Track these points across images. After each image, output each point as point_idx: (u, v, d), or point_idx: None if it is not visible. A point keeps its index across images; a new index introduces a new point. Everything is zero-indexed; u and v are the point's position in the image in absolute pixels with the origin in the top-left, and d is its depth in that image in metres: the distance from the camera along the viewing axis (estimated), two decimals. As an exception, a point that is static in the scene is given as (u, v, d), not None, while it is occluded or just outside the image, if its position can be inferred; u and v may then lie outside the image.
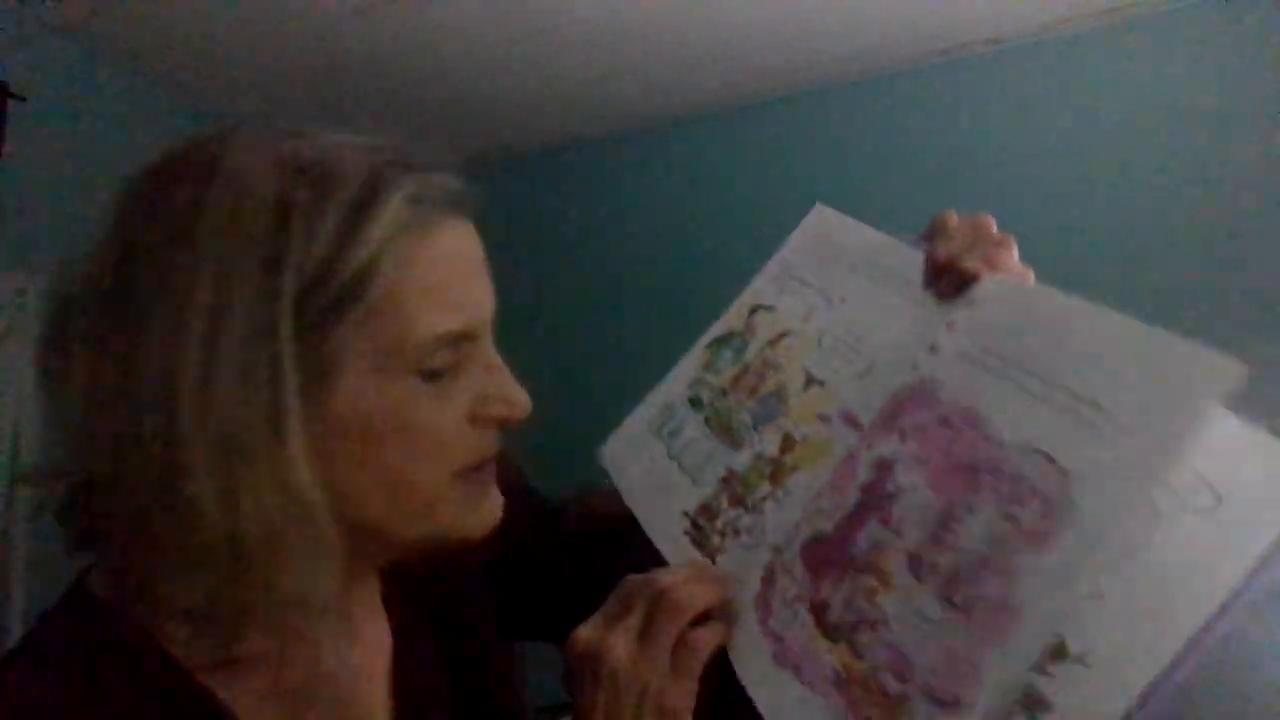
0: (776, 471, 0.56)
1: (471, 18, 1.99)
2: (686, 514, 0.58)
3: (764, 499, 0.55)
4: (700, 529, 0.56)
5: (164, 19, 1.98)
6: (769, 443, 0.58)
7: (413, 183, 0.46)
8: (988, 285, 0.50)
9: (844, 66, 2.24)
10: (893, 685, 0.41)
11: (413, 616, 0.58)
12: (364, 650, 0.55)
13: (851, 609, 0.45)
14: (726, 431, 0.60)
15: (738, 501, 0.56)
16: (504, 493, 0.54)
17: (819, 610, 0.46)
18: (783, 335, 0.63)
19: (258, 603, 0.43)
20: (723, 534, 0.55)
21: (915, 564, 0.43)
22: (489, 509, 0.51)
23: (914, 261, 0.56)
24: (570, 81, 2.32)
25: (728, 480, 0.58)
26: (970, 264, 0.52)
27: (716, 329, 0.68)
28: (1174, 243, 1.86)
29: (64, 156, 1.95)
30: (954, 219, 0.55)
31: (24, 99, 1.87)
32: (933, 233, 0.55)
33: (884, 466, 0.48)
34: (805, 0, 1.95)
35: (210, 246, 0.41)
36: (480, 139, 2.71)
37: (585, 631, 0.50)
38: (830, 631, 0.45)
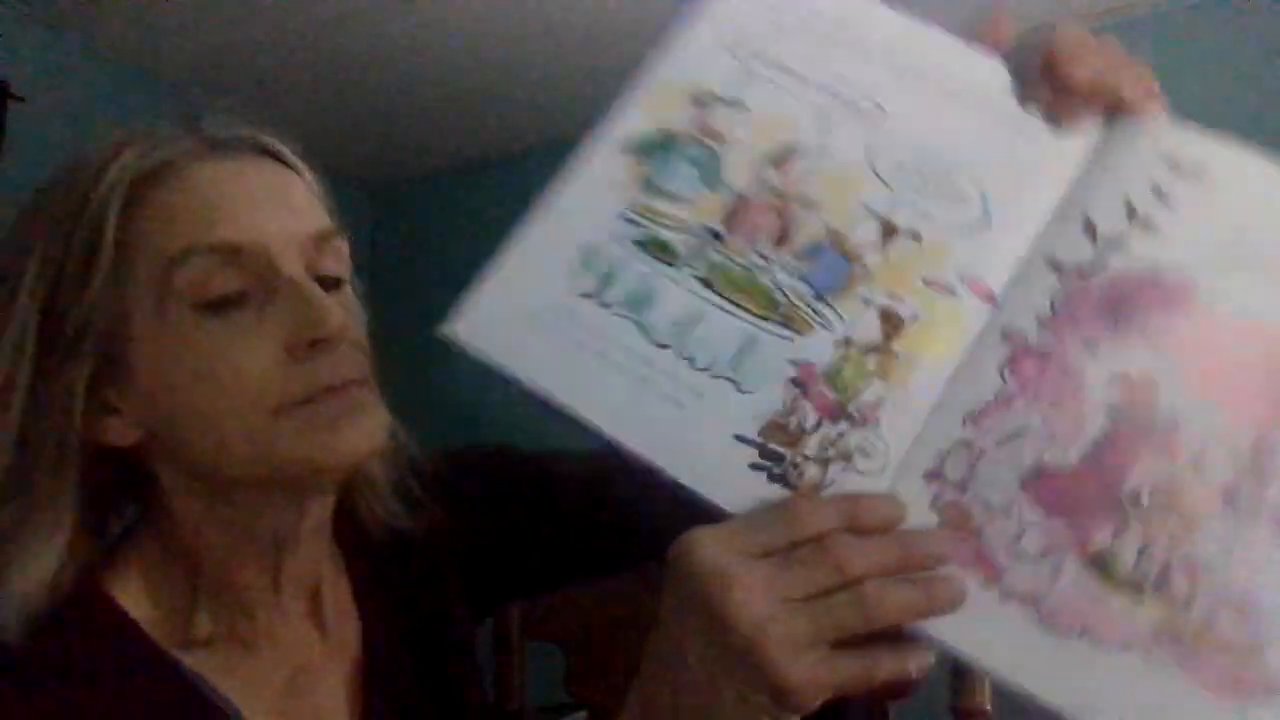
0: (885, 364, 0.41)
1: (472, 17, 2.04)
2: (743, 439, 0.40)
3: (876, 405, 0.40)
4: (777, 458, 0.40)
5: (164, 19, 2.01)
6: (857, 322, 0.41)
7: (148, 139, 0.48)
8: (1186, 138, 0.42)
9: None
10: (1239, 635, 0.37)
11: (383, 603, 0.59)
12: (334, 638, 0.55)
13: (1154, 557, 0.38)
14: (763, 301, 0.42)
15: (835, 412, 0.40)
16: (478, 464, 0.61)
17: (1100, 561, 0.39)
18: (789, 151, 0.44)
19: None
20: (823, 461, 0.39)
21: (1231, 500, 0.38)
22: (345, 440, 0.47)
23: (974, 65, 0.43)
24: (570, 81, 2.32)
25: (803, 381, 0.41)
26: (1130, 93, 0.42)
27: (626, 125, 0.46)
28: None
29: (64, 156, 1.88)
30: (1073, 31, 0.42)
31: (24, 99, 1.89)
32: (1033, 44, 0.43)
33: (1138, 386, 0.40)
34: None
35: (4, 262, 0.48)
36: (480, 139, 2.74)
37: (709, 543, 0.37)
38: (1127, 586, 0.39)
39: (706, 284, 0.43)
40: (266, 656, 0.52)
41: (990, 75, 0.45)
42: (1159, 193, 0.41)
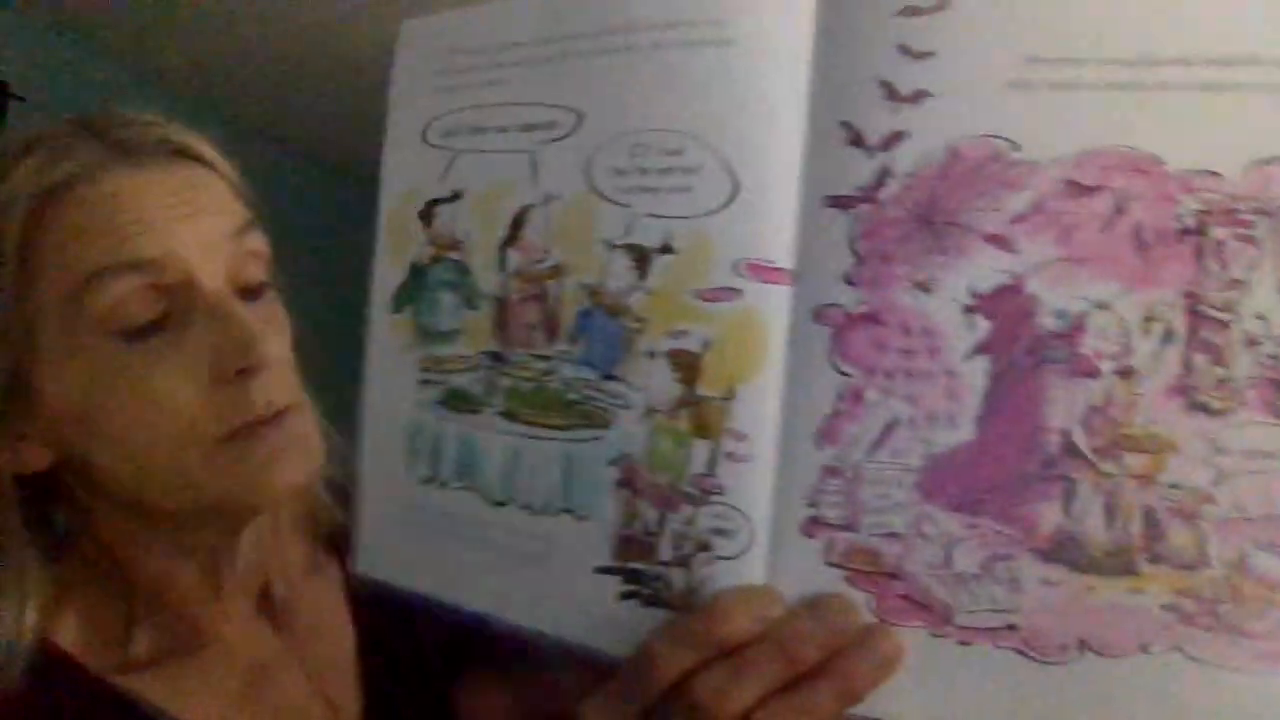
0: (701, 416, 0.32)
1: None
2: (605, 569, 0.34)
3: (707, 470, 0.32)
4: (640, 578, 0.33)
5: (165, 19, 1.97)
6: (649, 383, 0.33)
7: (50, 148, 0.43)
8: None
9: None
10: (1278, 569, 0.26)
11: (379, 610, 0.54)
12: (295, 630, 0.53)
13: (1129, 514, 0.28)
14: (562, 410, 0.35)
15: (669, 500, 0.32)
16: None
17: (1062, 546, 0.28)
18: (519, 220, 0.37)
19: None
20: (681, 562, 0.32)
21: (1193, 399, 0.27)
22: (279, 476, 0.44)
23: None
24: None
25: (629, 481, 0.33)
26: None
27: (383, 284, 0.41)
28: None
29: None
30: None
31: (24, 99, 1.86)
32: None
33: (1003, 299, 0.29)
34: None
35: None
36: None
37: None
38: (1113, 565, 0.28)
39: (509, 416, 0.37)
40: (215, 664, 0.49)
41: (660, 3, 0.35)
42: (910, 52, 0.30)
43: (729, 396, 0.32)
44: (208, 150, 0.48)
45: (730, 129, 0.32)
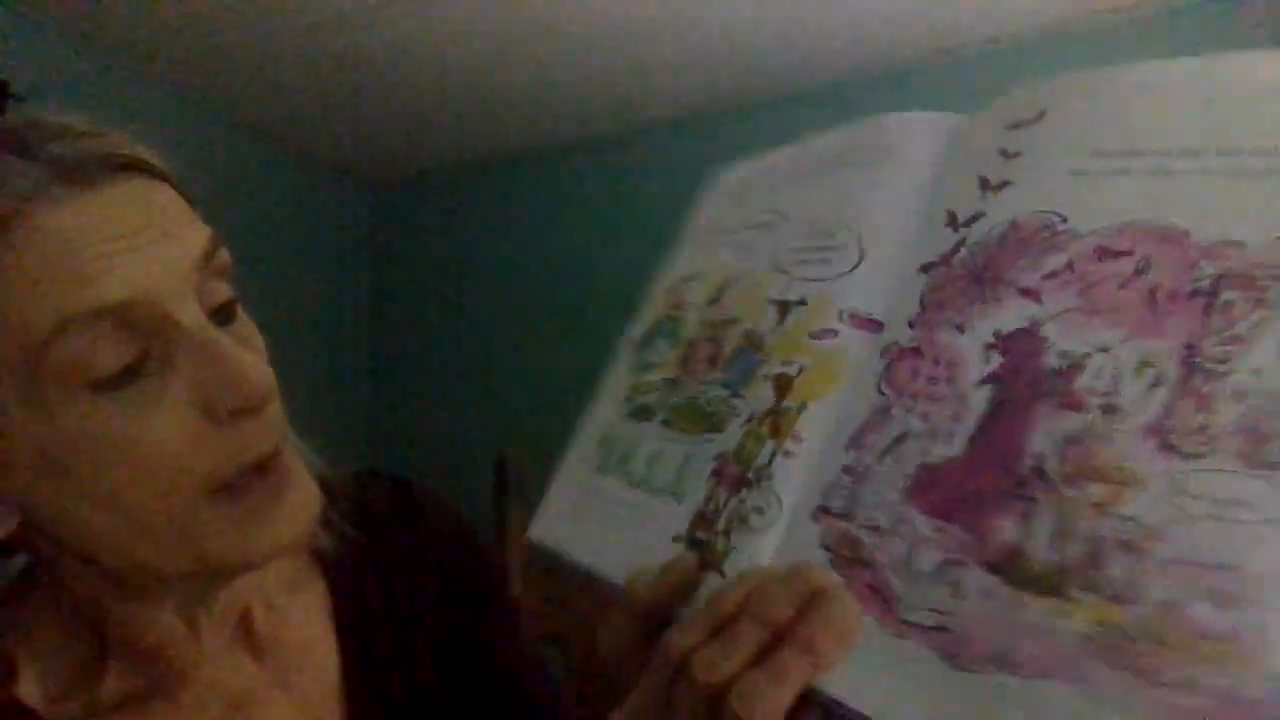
0: (778, 422, 0.39)
1: (472, 18, 1.98)
2: (678, 538, 0.40)
3: (768, 462, 0.38)
4: (699, 545, 0.39)
5: (164, 19, 1.96)
6: (758, 398, 0.41)
7: None
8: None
9: (841, 65, 2.17)
10: (1219, 620, 0.25)
11: (367, 635, 0.54)
12: (279, 658, 0.50)
13: (1076, 540, 0.27)
14: (699, 419, 0.44)
15: (738, 484, 0.39)
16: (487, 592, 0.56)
17: (1005, 561, 0.29)
18: (722, 289, 0.48)
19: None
20: (727, 531, 0.38)
21: (1166, 440, 0.27)
22: (276, 531, 0.41)
23: (870, 129, 0.43)
24: (569, 83, 2.26)
25: (720, 470, 0.41)
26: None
27: (634, 331, 0.52)
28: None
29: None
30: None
31: (24, 99, 1.74)
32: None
33: (1019, 340, 0.32)
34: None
35: None
36: (480, 139, 2.64)
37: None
38: (1045, 586, 0.27)
39: (666, 424, 0.47)
40: (190, 702, 0.46)
41: (843, 136, 0.46)
42: (1006, 154, 0.36)
43: (802, 409, 0.38)
44: (154, 159, 0.42)
45: (870, 213, 0.41)
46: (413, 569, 0.57)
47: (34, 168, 0.37)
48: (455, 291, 2.87)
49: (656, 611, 0.37)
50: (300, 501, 0.43)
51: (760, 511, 0.37)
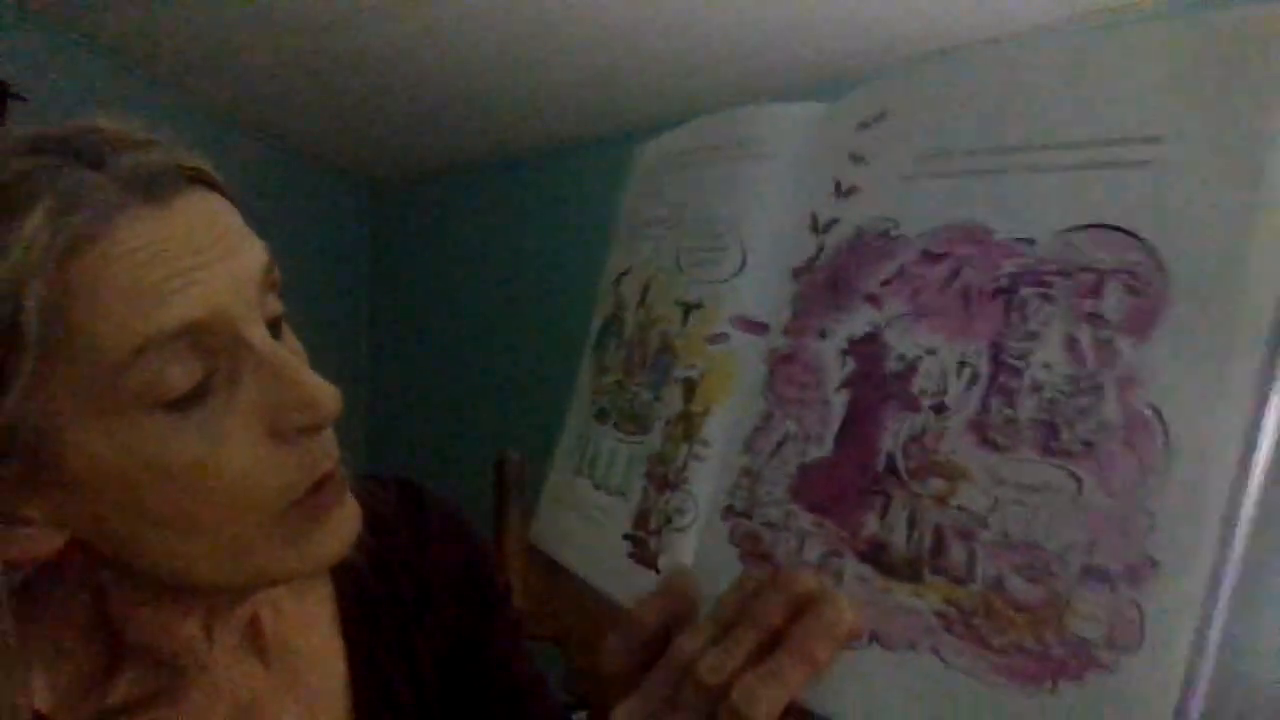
0: (688, 427, 0.43)
1: (472, 18, 1.99)
2: (627, 536, 0.45)
3: (684, 465, 0.42)
4: (639, 542, 0.44)
5: (164, 19, 1.97)
6: (670, 403, 0.45)
7: (55, 190, 0.36)
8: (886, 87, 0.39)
9: (840, 65, 2.15)
10: (1031, 592, 0.29)
11: (373, 638, 0.54)
12: (287, 663, 0.51)
13: (924, 529, 0.32)
14: (635, 421, 0.48)
15: (663, 485, 0.43)
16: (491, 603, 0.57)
17: (873, 550, 0.33)
18: (646, 288, 0.50)
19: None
20: (658, 530, 0.42)
21: (984, 435, 0.31)
22: (328, 547, 0.43)
23: (741, 120, 0.45)
24: (569, 83, 2.26)
25: (649, 471, 0.45)
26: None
27: (594, 327, 0.55)
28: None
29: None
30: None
31: (24, 99, 1.82)
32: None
33: (866, 345, 0.36)
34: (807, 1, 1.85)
35: None
36: (480, 139, 2.65)
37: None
38: (906, 572, 0.32)
39: (616, 426, 0.50)
40: (198, 706, 0.47)
41: (718, 126, 0.48)
42: (855, 158, 0.39)
43: (706, 413, 0.42)
44: (212, 170, 0.42)
45: (750, 216, 0.44)
46: (417, 571, 0.59)
47: (108, 181, 0.37)
48: (455, 291, 2.87)
49: (655, 636, 0.39)
50: (349, 515, 0.44)
51: (681, 512, 0.42)
